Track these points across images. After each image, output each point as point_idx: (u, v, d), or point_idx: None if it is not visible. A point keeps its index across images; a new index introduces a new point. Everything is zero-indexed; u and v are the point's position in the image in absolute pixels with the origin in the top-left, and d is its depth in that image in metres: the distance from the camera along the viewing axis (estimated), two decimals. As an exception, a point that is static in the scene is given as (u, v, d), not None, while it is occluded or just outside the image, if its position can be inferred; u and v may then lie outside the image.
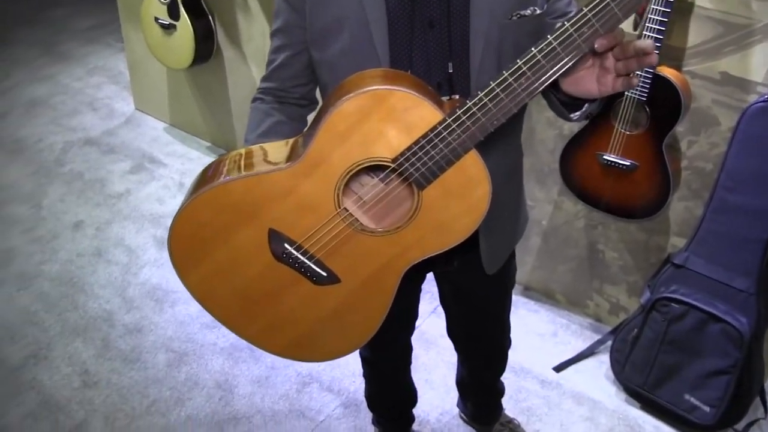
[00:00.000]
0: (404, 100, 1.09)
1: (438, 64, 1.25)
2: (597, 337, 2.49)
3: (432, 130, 1.08)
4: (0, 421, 2.23)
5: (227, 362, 2.45)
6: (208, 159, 3.66)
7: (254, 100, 1.41)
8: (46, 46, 5.17)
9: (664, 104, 1.97)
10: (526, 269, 2.70)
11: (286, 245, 1.18)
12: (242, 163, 1.20)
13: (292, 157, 1.18)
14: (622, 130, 2.05)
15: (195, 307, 2.67)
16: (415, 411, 2.14)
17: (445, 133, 1.08)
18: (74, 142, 3.84)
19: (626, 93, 2.00)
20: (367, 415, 2.20)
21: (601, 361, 2.41)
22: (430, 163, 1.10)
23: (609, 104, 2.05)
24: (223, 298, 1.25)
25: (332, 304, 1.24)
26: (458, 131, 1.08)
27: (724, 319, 1.99)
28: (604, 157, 2.11)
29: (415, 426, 2.18)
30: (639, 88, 1.96)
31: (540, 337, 2.54)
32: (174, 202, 3.27)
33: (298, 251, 1.18)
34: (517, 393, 2.32)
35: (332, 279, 1.21)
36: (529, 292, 2.73)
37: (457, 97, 1.27)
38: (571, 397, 2.30)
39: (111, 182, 3.47)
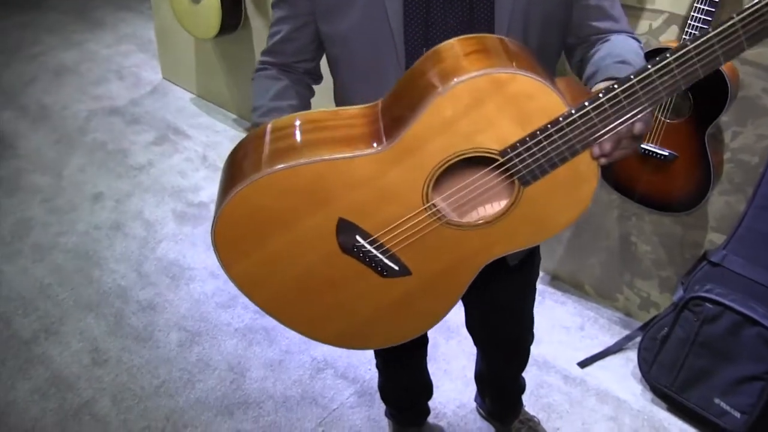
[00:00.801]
0: (528, 86, 0.95)
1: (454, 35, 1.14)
2: (626, 332, 2.39)
3: (553, 123, 0.96)
4: (7, 395, 2.20)
5: (241, 344, 2.39)
6: (234, 132, 3.59)
7: (256, 71, 1.31)
8: (79, 12, 5.14)
9: (710, 92, 1.84)
10: (554, 258, 2.59)
11: (359, 238, 1.07)
12: (304, 139, 1.05)
13: (373, 138, 1.03)
14: (663, 118, 1.93)
15: (211, 285, 2.62)
16: (432, 403, 2.06)
17: (567, 129, 0.96)
18: (99, 111, 3.80)
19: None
20: (382, 406, 2.13)
21: (629, 359, 2.31)
22: (542, 160, 0.99)
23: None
24: (273, 288, 1.14)
25: (396, 296, 1.15)
26: (582, 128, 0.96)
27: (761, 323, 1.87)
28: (642, 145, 1.98)
29: (430, 418, 2.11)
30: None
31: (566, 330, 2.44)
32: (197, 176, 3.21)
33: (372, 245, 1.08)
34: (539, 388, 2.22)
35: (403, 272, 1.12)
36: (556, 282, 2.62)
37: None
38: (595, 395, 2.20)
39: (133, 153, 3.42)
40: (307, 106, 1.29)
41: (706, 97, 1.85)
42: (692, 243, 2.20)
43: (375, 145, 1.01)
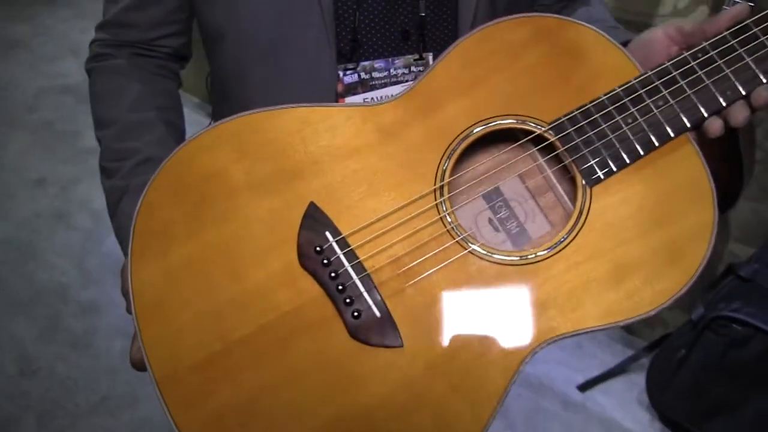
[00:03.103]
0: (584, 35, 0.73)
1: (404, 3, 0.84)
2: (627, 351, 2.17)
3: (626, 89, 0.71)
4: None
5: (195, 354, 2.10)
6: (198, 117, 3.30)
7: (96, 57, 0.91)
8: (79, 7, 4.81)
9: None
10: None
11: (327, 235, 0.71)
12: None
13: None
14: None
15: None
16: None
17: (648, 100, 0.71)
18: (49, 89, 3.48)
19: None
20: None
21: (633, 382, 2.08)
22: (616, 142, 0.71)
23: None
24: (181, 318, 0.69)
25: (372, 394, 0.68)
26: (671, 99, 0.71)
27: (799, 349, 1.66)
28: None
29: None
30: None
31: (562, 347, 2.21)
32: (152, 163, 2.89)
33: (343, 249, 0.71)
34: (535, 414, 1.98)
35: (387, 334, 0.69)
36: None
37: (431, 56, 0.86)
38: (598, 423, 1.98)
39: (84, 136, 3.10)
40: (177, 114, 0.92)
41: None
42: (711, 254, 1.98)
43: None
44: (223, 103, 0.92)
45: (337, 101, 0.85)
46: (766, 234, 1.75)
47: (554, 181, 0.76)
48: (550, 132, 0.72)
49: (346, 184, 0.72)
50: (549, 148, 0.74)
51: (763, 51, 0.70)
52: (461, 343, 0.68)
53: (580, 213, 0.71)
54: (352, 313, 0.69)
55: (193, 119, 3.31)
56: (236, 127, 0.73)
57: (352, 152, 0.73)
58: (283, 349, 0.68)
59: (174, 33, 0.91)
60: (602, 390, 2.08)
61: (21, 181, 2.82)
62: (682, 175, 0.71)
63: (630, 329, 2.25)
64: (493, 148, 0.76)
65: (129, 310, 0.71)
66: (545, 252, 0.70)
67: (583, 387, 2.09)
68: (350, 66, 0.84)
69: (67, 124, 3.20)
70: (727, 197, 1.75)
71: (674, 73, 0.72)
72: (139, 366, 0.71)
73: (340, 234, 0.71)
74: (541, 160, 0.76)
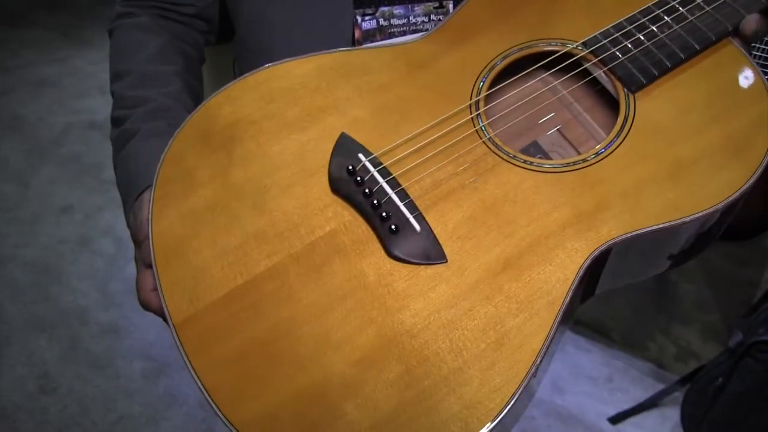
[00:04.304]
0: None
1: None
2: (660, 386, 2.10)
3: (658, 2, 0.71)
4: (-69, 426, 1.86)
5: (216, 378, 2.06)
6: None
7: (119, 17, 0.91)
8: (65, 29, 4.93)
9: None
10: (578, 298, 2.31)
11: (360, 156, 0.68)
12: None
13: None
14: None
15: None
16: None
17: (682, 9, 0.71)
18: (77, 124, 3.55)
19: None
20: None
21: (666, 416, 2.02)
22: (654, 48, 0.70)
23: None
24: (197, 262, 0.66)
25: (415, 313, 0.63)
26: (706, 6, 0.71)
27: (843, 375, 1.60)
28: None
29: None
30: (762, 62, 1.58)
31: (592, 381, 2.15)
32: (177, 194, 2.90)
33: (376, 167, 0.68)
34: (565, 446, 1.91)
35: (429, 248, 0.65)
36: (578, 327, 2.34)
37: (451, 4, 0.85)
38: (630, 457, 1.90)
39: (109, 167, 3.09)
40: (196, 80, 0.90)
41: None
42: (747, 282, 1.94)
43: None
44: (247, 55, 0.91)
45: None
46: (805, 259, 1.72)
47: (584, 111, 0.74)
48: (581, 47, 0.71)
49: (378, 114, 0.70)
50: (585, 73, 0.72)
51: None
52: (512, 253, 0.64)
53: (626, 119, 0.69)
54: (389, 228, 0.65)
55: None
56: (263, 76, 0.73)
57: (384, 86, 0.72)
58: (314, 277, 0.64)
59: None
60: (634, 423, 2.01)
61: (48, 209, 2.84)
62: (730, 73, 0.69)
63: (661, 363, 2.19)
64: (525, 79, 0.75)
65: (141, 258, 0.68)
66: (593, 157, 0.67)
67: (615, 420, 2.02)
68: (369, 11, 0.83)
69: (93, 157, 3.24)
70: (763, 222, 1.72)
71: None
72: (149, 307, 0.68)
73: (372, 154, 0.68)
74: (581, 81, 0.73)
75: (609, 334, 2.29)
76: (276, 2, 0.84)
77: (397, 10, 0.84)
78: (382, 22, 0.84)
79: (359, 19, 0.83)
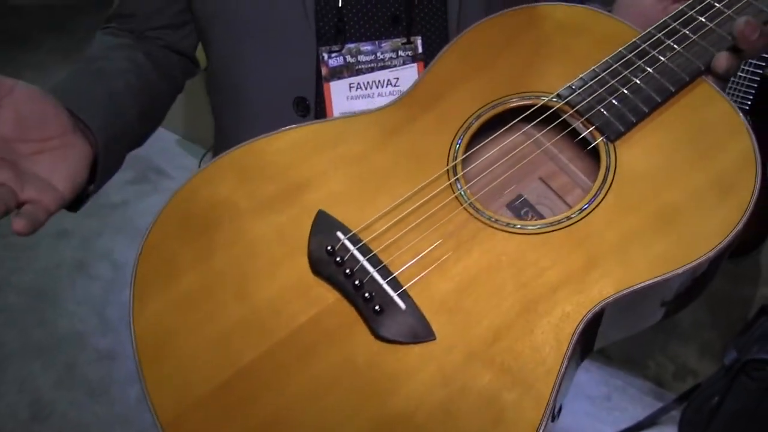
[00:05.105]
0: (577, 12, 0.75)
1: None
2: (658, 404, 2.09)
3: (628, 47, 0.71)
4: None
5: (212, 402, 2.05)
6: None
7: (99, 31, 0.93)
8: (67, 53, 4.95)
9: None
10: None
11: (339, 234, 0.67)
12: None
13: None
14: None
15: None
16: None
17: (653, 51, 0.70)
18: (75, 148, 3.54)
19: (723, 100, 1.61)
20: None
21: (665, 435, 2.00)
22: (629, 94, 0.69)
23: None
24: (181, 358, 0.63)
25: (407, 396, 0.60)
26: (677, 46, 0.70)
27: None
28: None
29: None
30: (741, 95, 1.58)
31: (590, 400, 2.13)
32: (174, 217, 2.90)
33: (355, 245, 0.66)
34: (563, 467, 1.90)
35: (416, 326, 0.62)
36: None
37: (419, 40, 0.85)
38: (629, 477, 1.88)
39: (107, 192, 3.09)
40: (157, 100, 0.90)
41: (767, 123, 1.60)
42: (741, 300, 1.93)
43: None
44: (218, 89, 0.92)
45: (322, 85, 0.84)
46: (799, 276, 1.71)
47: (568, 162, 0.73)
48: (555, 99, 0.70)
49: (355, 187, 0.68)
50: (563, 124, 0.71)
51: None
52: (501, 324, 0.61)
53: (607, 170, 0.67)
54: (374, 309, 0.62)
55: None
56: (236, 156, 0.71)
57: (359, 157, 0.70)
58: (302, 364, 0.61)
59: (167, 25, 0.91)
60: (633, 443, 2.00)
61: (44, 233, 2.79)
62: (708, 114, 0.68)
63: (660, 382, 2.18)
64: (502, 136, 0.73)
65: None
66: (576, 214, 0.65)
67: (613, 439, 2.01)
68: (335, 48, 0.83)
69: (92, 180, 3.25)
70: (760, 236, 1.72)
71: (674, 24, 0.71)
72: None
73: (351, 231, 0.66)
74: (557, 135, 0.73)
75: (607, 352, 2.28)
76: (243, 40, 0.84)
77: (364, 46, 0.83)
78: (349, 59, 0.83)
79: (325, 56, 0.83)
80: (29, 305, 2.43)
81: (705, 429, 1.81)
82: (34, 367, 2.16)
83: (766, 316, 1.72)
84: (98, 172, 0.75)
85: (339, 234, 0.66)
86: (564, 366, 0.59)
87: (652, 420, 2.05)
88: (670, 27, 0.71)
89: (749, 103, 1.57)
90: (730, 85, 1.58)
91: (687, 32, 0.71)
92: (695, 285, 0.67)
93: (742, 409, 1.72)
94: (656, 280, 0.61)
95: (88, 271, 2.61)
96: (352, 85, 0.84)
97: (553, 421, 0.59)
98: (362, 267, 0.64)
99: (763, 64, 1.51)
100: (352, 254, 0.65)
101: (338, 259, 0.64)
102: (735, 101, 1.56)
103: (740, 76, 1.56)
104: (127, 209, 2.99)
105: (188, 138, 3.67)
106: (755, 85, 1.55)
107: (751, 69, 1.54)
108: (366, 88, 0.84)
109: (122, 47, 0.88)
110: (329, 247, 0.65)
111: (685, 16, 0.72)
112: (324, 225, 0.66)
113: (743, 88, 1.56)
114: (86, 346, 2.26)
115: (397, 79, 0.84)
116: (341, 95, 0.83)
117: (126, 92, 0.83)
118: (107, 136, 0.75)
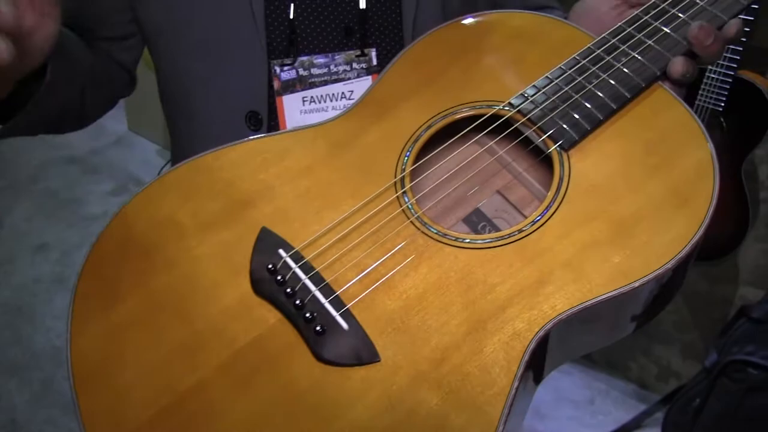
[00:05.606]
0: (531, 20, 0.74)
1: None
2: (642, 406, 2.08)
3: (582, 53, 0.69)
4: None
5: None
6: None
7: None
8: None
9: (746, 117, 1.58)
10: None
11: (281, 252, 0.64)
12: None
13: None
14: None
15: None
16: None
17: (608, 57, 0.69)
18: (55, 159, 3.50)
19: (697, 101, 1.61)
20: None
21: (649, 437, 1.99)
22: (583, 101, 0.67)
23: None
24: (119, 385, 0.60)
25: (352, 422, 0.58)
26: (632, 51, 0.69)
27: (820, 393, 1.57)
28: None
29: None
30: (714, 96, 1.57)
31: (574, 404, 2.12)
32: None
33: (297, 262, 0.63)
34: (546, 473, 1.88)
35: (360, 348, 0.60)
36: (559, 348, 2.31)
37: (374, 52, 0.83)
38: (613, 482, 1.87)
39: (88, 203, 3.10)
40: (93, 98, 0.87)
41: (742, 124, 1.60)
42: (721, 300, 1.92)
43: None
44: (168, 104, 0.90)
45: (274, 99, 0.82)
46: (777, 275, 1.70)
47: (523, 171, 0.71)
48: (507, 108, 0.68)
49: (300, 202, 0.66)
50: (516, 133, 0.69)
51: None
52: (449, 344, 0.58)
53: (561, 180, 0.64)
54: (315, 330, 0.59)
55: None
56: (180, 173, 0.69)
57: (304, 170, 0.68)
58: (243, 389, 0.58)
59: (112, 36, 0.87)
60: (617, 447, 1.99)
61: (23, 247, 2.80)
62: (665, 120, 0.66)
63: (643, 384, 2.17)
64: (454, 146, 0.71)
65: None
66: (528, 227, 0.63)
67: (597, 444, 2.00)
68: (287, 62, 0.81)
69: (71, 192, 3.20)
70: (736, 237, 1.71)
71: (629, 29, 0.70)
72: None
73: (294, 248, 0.64)
74: (509, 144, 0.71)
75: (590, 355, 2.27)
76: (192, 52, 0.82)
77: (318, 59, 0.82)
78: (301, 72, 0.81)
79: (277, 69, 0.81)
80: (5, 322, 2.39)
81: (689, 431, 1.80)
82: (10, 385, 2.13)
83: (745, 317, 1.71)
84: (27, 106, 0.70)
85: (281, 251, 0.64)
86: (515, 387, 0.57)
87: (636, 423, 2.04)
88: (625, 32, 0.70)
89: (722, 103, 1.56)
90: (703, 85, 1.57)
91: (642, 37, 0.70)
92: (662, 294, 0.65)
93: (725, 410, 1.71)
94: (613, 294, 0.59)
95: (68, 284, 2.58)
96: (305, 99, 0.82)
97: None
98: (304, 286, 0.62)
99: (735, 66, 1.51)
100: (294, 273, 0.63)
101: (279, 278, 0.62)
102: (709, 101, 1.56)
103: (712, 77, 1.55)
104: (107, 221, 2.97)
105: (168, 148, 3.65)
106: (727, 86, 1.55)
107: (723, 70, 1.53)
108: (319, 102, 0.82)
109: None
110: (270, 266, 0.63)
111: (640, 21, 0.71)
112: (266, 242, 0.64)
113: (716, 89, 1.55)
114: (63, 362, 2.21)
115: (352, 92, 0.82)
116: (294, 109, 0.82)
117: (81, 66, 0.80)
118: (53, 82, 0.70)
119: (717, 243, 1.72)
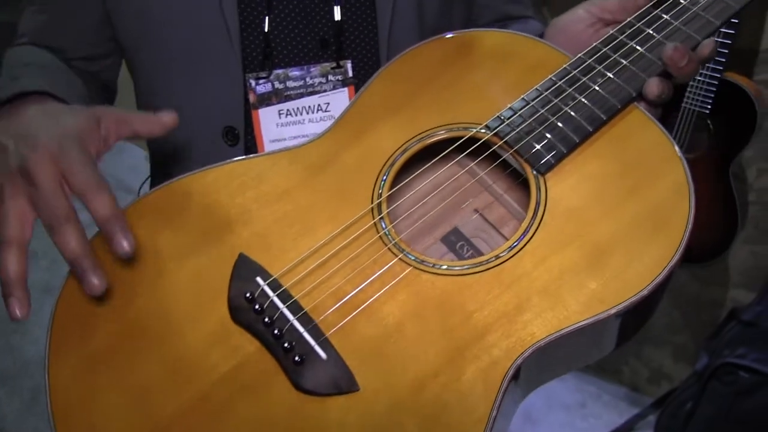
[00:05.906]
0: (505, 39, 0.73)
1: (317, 8, 0.81)
2: (634, 410, 2.08)
3: (558, 73, 0.69)
4: None
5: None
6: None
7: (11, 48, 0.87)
8: None
9: (733, 119, 1.58)
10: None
11: (259, 280, 0.64)
12: None
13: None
14: (678, 151, 1.66)
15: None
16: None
17: (584, 78, 0.68)
18: (44, 167, 3.50)
19: (684, 104, 1.60)
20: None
21: (641, 441, 1.99)
22: (559, 123, 0.67)
23: (660, 119, 1.66)
24: (98, 416, 0.60)
25: None
26: (608, 72, 0.69)
27: (809, 395, 1.57)
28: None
29: None
30: (701, 98, 1.57)
31: (565, 409, 2.12)
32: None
33: (275, 291, 0.63)
34: (538, 478, 1.88)
35: (338, 377, 0.60)
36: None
37: (349, 64, 0.83)
38: (606, 486, 1.86)
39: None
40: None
41: (729, 126, 1.60)
42: (711, 302, 1.92)
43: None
44: None
45: (250, 113, 0.81)
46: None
47: (503, 193, 0.71)
48: (484, 131, 0.68)
49: (278, 227, 0.65)
50: (494, 155, 0.69)
51: (688, 14, 0.70)
52: (428, 371, 0.58)
53: (537, 204, 0.64)
54: (293, 359, 0.59)
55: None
56: (156, 197, 0.68)
57: (282, 195, 0.67)
58: (221, 419, 0.58)
59: (90, 56, 0.87)
60: (609, 450, 1.99)
61: (11, 256, 2.79)
62: (640, 142, 0.66)
63: (635, 387, 2.17)
64: (432, 169, 0.71)
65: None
66: (506, 253, 0.62)
67: (589, 448, 2.00)
68: (262, 75, 0.81)
69: (61, 200, 3.20)
70: (726, 239, 1.71)
71: (604, 50, 0.70)
72: None
73: (272, 276, 0.63)
74: (486, 168, 0.71)
75: (582, 358, 2.28)
76: (168, 67, 0.82)
77: (293, 72, 0.81)
78: (277, 85, 0.81)
79: (252, 82, 0.80)
80: (-6, 332, 2.37)
81: (680, 435, 1.80)
82: (-1, 395, 2.12)
83: (735, 320, 1.71)
84: None
85: (258, 279, 0.63)
86: (494, 415, 0.56)
87: (628, 426, 2.04)
88: (601, 52, 0.70)
89: (709, 105, 1.56)
90: (689, 88, 1.57)
91: (618, 57, 0.69)
92: (641, 315, 0.65)
93: (716, 413, 1.70)
94: (590, 321, 0.58)
95: (56, 294, 2.57)
96: (281, 112, 0.82)
97: None
98: (282, 315, 0.61)
99: (721, 68, 1.50)
100: (272, 301, 0.62)
101: (257, 306, 0.62)
102: (695, 104, 1.56)
103: (699, 79, 1.55)
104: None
105: (159, 153, 3.66)
106: (713, 88, 1.55)
107: (709, 72, 1.53)
108: (296, 114, 0.82)
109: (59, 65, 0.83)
110: (248, 294, 0.62)
111: (616, 41, 0.70)
112: (244, 270, 0.64)
113: (702, 91, 1.55)
114: (53, 371, 2.22)
115: (328, 104, 0.82)
116: (271, 122, 0.81)
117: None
118: None
119: (707, 245, 1.72)
